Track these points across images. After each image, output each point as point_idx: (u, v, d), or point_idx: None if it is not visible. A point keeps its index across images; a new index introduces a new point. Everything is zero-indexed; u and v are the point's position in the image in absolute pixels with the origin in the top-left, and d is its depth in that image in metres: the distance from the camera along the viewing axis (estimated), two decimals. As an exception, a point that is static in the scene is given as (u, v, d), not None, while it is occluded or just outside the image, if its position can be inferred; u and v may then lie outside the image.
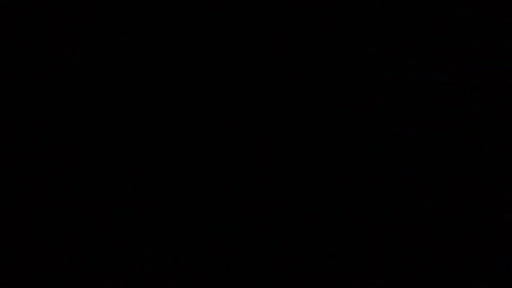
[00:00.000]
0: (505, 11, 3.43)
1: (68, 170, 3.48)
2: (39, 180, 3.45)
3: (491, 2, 3.44)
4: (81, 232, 3.31)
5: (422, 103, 3.50)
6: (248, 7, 3.51)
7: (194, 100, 3.68)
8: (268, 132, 3.56)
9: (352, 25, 3.57)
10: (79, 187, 3.45)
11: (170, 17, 3.64)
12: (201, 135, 3.55)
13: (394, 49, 3.55)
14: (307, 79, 3.63)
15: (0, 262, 3.15)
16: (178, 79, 3.63)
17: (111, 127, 3.57)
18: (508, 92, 3.41)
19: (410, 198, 3.32)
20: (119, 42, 3.63)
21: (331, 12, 3.53)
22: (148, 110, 3.64)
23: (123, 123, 3.59)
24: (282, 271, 3.20)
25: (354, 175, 3.39)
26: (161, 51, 3.68)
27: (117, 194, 3.44)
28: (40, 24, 3.56)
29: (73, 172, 3.48)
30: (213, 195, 3.40)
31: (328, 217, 3.32)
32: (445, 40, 3.52)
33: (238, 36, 3.67)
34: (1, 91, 3.53)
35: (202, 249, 3.26)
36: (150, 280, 3.19)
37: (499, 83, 3.39)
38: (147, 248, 3.26)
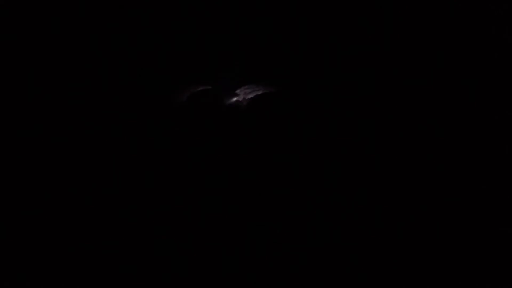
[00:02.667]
0: (506, 11, 3.42)
1: (66, 169, 3.47)
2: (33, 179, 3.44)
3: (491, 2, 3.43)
4: (79, 232, 3.30)
5: (422, 102, 3.49)
6: (251, 7, 3.50)
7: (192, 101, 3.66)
8: (267, 133, 3.54)
9: (353, 25, 3.56)
10: (76, 186, 3.43)
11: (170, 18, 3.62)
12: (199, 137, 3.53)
13: (395, 49, 3.54)
14: (308, 79, 3.61)
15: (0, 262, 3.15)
16: (177, 79, 3.62)
17: (109, 127, 3.55)
18: (508, 92, 3.40)
19: (409, 197, 3.31)
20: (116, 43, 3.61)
21: (333, 13, 3.52)
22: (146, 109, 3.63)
23: (121, 123, 3.58)
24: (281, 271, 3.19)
25: (354, 175, 3.38)
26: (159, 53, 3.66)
27: (115, 194, 3.43)
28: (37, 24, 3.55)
29: (71, 171, 3.47)
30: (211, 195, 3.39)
31: (327, 217, 3.31)
32: (445, 40, 3.51)
33: (239, 36, 3.65)
34: (1, 91, 3.52)
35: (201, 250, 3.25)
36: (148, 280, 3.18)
37: (499, 83, 3.38)
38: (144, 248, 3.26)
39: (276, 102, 3.49)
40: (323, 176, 3.31)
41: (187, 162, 3.37)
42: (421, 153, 3.33)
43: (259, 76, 3.48)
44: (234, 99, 3.50)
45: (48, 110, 3.41)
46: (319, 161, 3.35)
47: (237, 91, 3.58)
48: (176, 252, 3.09)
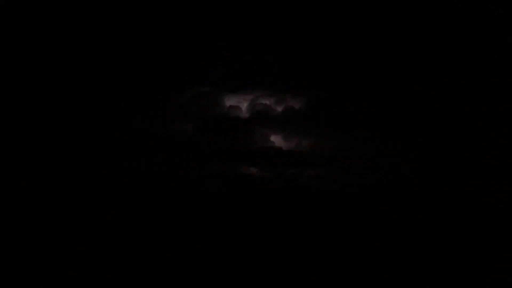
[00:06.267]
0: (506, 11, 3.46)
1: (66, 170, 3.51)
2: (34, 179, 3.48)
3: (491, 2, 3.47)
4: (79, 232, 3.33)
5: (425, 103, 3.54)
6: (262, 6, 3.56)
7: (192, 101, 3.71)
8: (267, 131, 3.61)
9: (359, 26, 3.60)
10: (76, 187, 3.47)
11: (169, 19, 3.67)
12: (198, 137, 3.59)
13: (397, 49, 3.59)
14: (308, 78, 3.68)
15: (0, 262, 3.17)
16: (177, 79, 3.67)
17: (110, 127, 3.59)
18: (508, 92, 3.44)
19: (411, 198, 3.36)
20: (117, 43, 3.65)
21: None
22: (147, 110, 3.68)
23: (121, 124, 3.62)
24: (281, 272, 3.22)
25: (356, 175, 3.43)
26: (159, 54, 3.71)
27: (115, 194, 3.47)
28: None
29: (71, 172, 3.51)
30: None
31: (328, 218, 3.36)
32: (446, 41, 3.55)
33: (244, 36, 3.71)
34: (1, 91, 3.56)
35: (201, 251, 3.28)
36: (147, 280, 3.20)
37: (499, 83, 3.42)
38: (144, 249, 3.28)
39: (276, 102, 3.55)
40: (324, 177, 3.36)
41: (188, 163, 3.41)
42: (422, 153, 3.39)
43: (259, 77, 3.53)
44: (235, 100, 3.56)
45: (48, 110, 3.45)
46: (320, 160, 3.41)
47: (238, 92, 3.64)
48: (175, 252, 3.12)
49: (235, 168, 12.05)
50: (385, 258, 6.90)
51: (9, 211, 6.42)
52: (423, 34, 5.65)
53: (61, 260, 5.58)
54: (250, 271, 4.81)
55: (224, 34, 6.07)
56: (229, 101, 15.27)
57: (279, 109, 15.30)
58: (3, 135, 5.79)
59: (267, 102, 15.27)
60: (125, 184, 6.14)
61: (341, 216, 9.00)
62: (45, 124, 6.01)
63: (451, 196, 6.83)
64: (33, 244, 6.02)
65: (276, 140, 15.43)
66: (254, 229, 7.13)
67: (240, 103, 15.05)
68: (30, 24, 5.46)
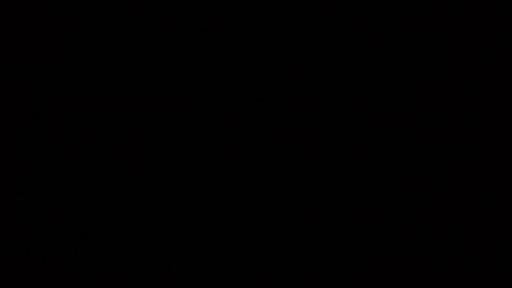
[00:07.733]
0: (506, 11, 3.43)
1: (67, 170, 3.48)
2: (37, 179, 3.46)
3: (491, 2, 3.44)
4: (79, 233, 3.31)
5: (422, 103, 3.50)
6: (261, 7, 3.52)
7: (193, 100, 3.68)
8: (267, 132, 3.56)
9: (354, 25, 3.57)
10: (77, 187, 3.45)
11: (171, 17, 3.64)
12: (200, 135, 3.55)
13: (395, 49, 3.55)
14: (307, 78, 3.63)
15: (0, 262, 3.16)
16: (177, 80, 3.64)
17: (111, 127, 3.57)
18: (508, 92, 3.41)
19: (410, 198, 3.33)
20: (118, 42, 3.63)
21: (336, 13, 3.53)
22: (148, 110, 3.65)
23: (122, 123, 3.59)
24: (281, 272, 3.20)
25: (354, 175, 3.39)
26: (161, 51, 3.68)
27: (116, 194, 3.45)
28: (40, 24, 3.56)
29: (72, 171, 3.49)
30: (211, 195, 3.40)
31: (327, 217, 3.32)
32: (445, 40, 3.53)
33: (242, 36, 3.67)
34: (1, 91, 3.54)
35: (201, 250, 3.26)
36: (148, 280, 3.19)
37: (499, 83, 3.39)
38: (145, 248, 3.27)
39: (275, 102, 3.51)
40: (324, 178, 3.32)
41: (187, 164, 3.38)
42: (421, 155, 3.35)
43: (258, 76, 3.48)
44: (234, 99, 3.51)
45: (48, 110, 3.43)
46: (320, 160, 3.36)
47: (237, 92, 3.59)
48: (175, 252, 3.10)
49: (235, 168, 12.00)
50: (384, 258, 6.88)
51: (9, 211, 6.37)
52: (422, 34, 5.61)
53: (61, 259, 5.53)
54: (249, 271, 4.77)
55: (224, 33, 6.01)
56: (228, 100, 15.15)
57: (278, 108, 15.21)
58: (3, 135, 5.74)
59: (267, 100, 15.15)
60: (124, 184, 6.10)
61: (340, 216, 8.95)
62: (45, 124, 5.96)
63: (450, 195, 6.76)
64: (32, 243, 5.96)
65: (276, 138, 15.33)
66: (254, 228, 7.08)
67: (240, 103, 14.93)
68: (30, 24, 5.41)
